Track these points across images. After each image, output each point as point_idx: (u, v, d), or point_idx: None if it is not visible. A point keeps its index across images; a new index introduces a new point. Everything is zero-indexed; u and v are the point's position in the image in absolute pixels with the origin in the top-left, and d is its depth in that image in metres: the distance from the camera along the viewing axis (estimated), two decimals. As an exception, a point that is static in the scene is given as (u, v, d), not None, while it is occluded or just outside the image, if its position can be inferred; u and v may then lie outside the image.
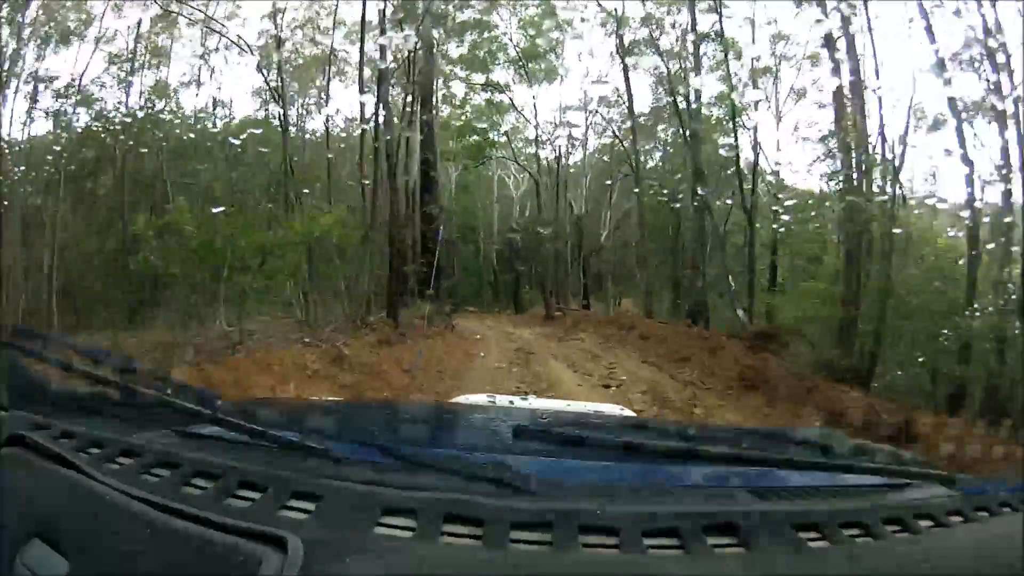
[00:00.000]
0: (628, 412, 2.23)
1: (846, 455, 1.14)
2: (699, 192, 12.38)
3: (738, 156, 13.05)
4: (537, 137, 20.52)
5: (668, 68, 14.13)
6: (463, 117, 21.34)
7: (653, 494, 0.78)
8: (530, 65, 20.34)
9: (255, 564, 0.53)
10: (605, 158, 21.29)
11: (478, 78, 21.19)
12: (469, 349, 10.57)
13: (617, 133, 17.19)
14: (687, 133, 13.30)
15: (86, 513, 0.64)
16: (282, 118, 10.99)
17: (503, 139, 22.73)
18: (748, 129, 13.59)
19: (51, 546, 0.61)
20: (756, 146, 13.33)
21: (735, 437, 1.38)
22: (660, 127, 17.68)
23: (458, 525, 0.61)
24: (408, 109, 11.46)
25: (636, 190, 16.42)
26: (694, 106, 14.48)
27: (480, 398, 2.48)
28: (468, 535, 0.60)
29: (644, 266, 15.33)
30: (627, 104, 15.26)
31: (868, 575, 0.62)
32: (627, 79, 15.74)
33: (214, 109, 13.68)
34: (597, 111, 18.29)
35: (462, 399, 2.50)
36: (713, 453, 0.86)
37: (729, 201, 13.87)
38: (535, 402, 2.70)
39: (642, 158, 16.90)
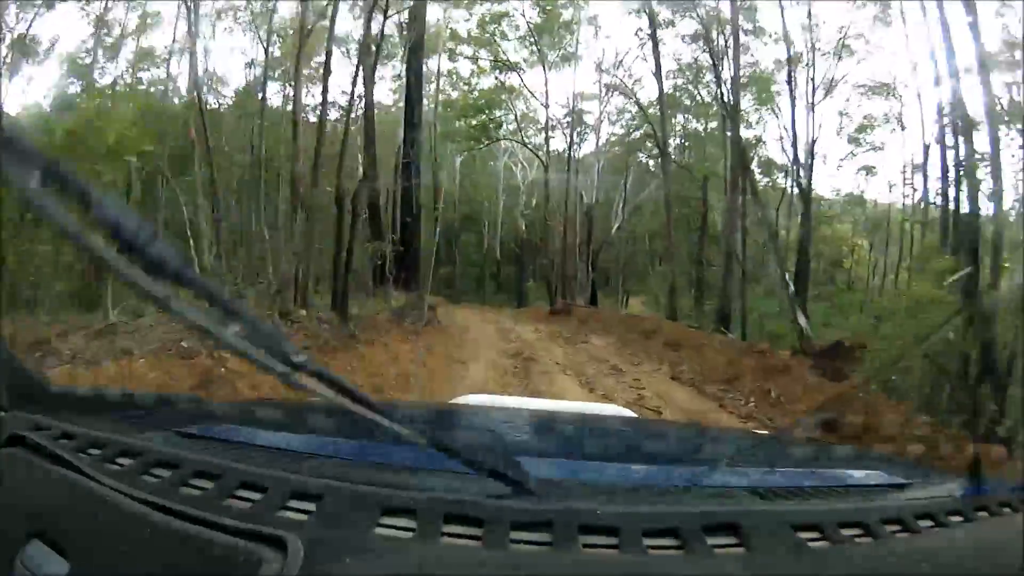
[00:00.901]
0: (628, 412, 2.01)
1: (846, 455, 1.14)
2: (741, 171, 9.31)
3: (795, 127, 9.99)
4: (547, 122, 17.65)
5: (707, 30, 10.99)
6: (470, 97, 18.37)
7: (653, 494, 0.72)
8: (542, 40, 17.37)
9: (255, 564, 0.51)
10: (616, 149, 18.61)
11: (486, 58, 18.19)
12: (453, 353, 7.65)
13: (641, 105, 14.03)
14: (727, 104, 10.21)
15: (86, 513, 0.62)
16: (191, 62, 7.98)
17: (510, 120, 19.86)
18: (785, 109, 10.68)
19: (51, 546, 0.58)
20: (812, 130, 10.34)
21: (735, 437, 1.37)
22: (692, 100, 14.54)
23: (458, 525, 0.58)
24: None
25: (661, 173, 13.39)
26: (728, 83, 11.36)
27: (480, 398, 2.25)
28: (468, 535, 0.57)
29: (669, 258, 12.23)
30: (655, 71, 12.13)
31: (868, 575, 0.59)
32: (656, 48, 12.61)
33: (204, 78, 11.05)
34: (621, 82, 15.19)
35: (462, 399, 2.20)
36: (713, 453, 0.84)
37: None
38: (535, 402, 2.54)
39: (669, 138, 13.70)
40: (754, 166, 13.42)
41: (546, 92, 17.34)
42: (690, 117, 15.63)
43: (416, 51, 10.64)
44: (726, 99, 11.12)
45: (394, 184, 10.28)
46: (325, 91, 8.36)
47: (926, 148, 13.18)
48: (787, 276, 9.26)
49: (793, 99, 10.56)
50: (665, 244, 13.88)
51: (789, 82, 10.68)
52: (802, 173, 10.85)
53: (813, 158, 10.88)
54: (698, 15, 12.96)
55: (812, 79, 11.00)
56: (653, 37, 13.22)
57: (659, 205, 16.84)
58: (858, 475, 0.90)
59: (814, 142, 10.72)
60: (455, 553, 0.55)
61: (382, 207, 9.91)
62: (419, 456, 0.78)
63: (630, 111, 18.71)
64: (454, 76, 19.48)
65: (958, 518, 0.69)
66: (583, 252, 17.67)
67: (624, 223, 18.74)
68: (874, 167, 15.26)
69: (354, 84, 8.32)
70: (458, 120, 19.87)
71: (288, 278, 7.61)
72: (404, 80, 10.35)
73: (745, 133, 13.13)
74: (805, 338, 8.01)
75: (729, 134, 11.12)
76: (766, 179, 14.98)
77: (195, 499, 0.60)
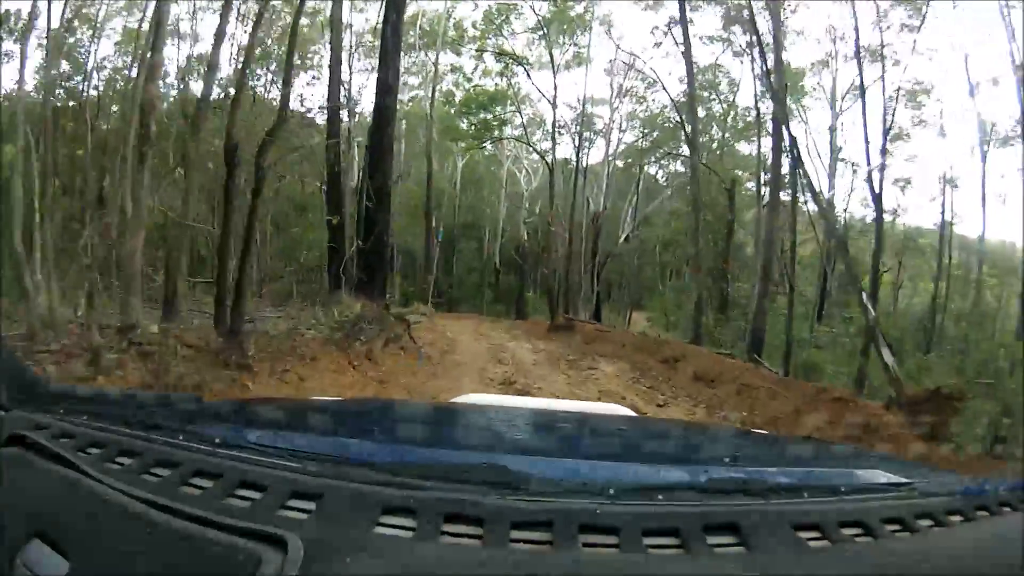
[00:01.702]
0: (628, 412, 1.92)
1: (846, 455, 1.11)
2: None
3: (866, 128, 7.73)
4: (555, 123, 15.54)
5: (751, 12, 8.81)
6: (472, 92, 16.16)
7: (653, 494, 0.69)
8: (551, 32, 15.23)
9: (255, 564, 0.50)
10: (629, 158, 16.68)
11: (491, 49, 16.10)
12: (420, 384, 5.30)
13: (667, 91, 11.95)
14: (771, 85, 7.94)
15: (86, 513, 0.60)
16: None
17: (516, 124, 17.82)
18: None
19: (51, 546, 0.57)
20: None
21: (735, 437, 1.24)
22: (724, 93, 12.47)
23: (458, 525, 0.57)
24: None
25: (688, 170, 11.14)
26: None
27: (480, 397, 2.17)
28: (468, 535, 0.56)
29: (696, 269, 9.89)
30: (684, 51, 9.94)
31: (868, 575, 0.57)
32: (685, 28, 10.42)
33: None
34: (643, 65, 13.14)
35: (462, 399, 2.10)
36: (713, 453, 0.78)
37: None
38: (535, 402, 2.47)
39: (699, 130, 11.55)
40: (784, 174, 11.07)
41: (554, 92, 15.48)
42: (719, 113, 13.55)
43: (394, 3, 8.54)
44: (771, 80, 8.92)
45: (361, 162, 8.07)
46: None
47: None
48: (864, 297, 6.86)
49: (863, 91, 8.42)
50: (691, 254, 11.72)
51: (859, 72, 8.59)
52: (872, 176, 8.76)
53: (884, 160, 8.74)
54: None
55: (882, 64, 8.92)
56: (683, 18, 11.09)
57: (671, 215, 14.87)
58: (858, 475, 0.88)
59: (886, 133, 8.62)
60: (455, 553, 0.53)
61: (347, 189, 7.79)
62: (419, 456, 0.78)
63: (641, 117, 17.07)
64: (458, 72, 17.56)
65: (958, 518, 0.68)
66: (588, 263, 15.93)
67: (633, 233, 16.65)
68: (909, 179, 13.37)
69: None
70: (459, 117, 17.90)
71: (133, 275, 4.91)
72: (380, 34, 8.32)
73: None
74: (894, 381, 5.61)
75: (771, 124, 9.03)
76: (783, 192, 12.76)
77: (195, 498, 0.59)
